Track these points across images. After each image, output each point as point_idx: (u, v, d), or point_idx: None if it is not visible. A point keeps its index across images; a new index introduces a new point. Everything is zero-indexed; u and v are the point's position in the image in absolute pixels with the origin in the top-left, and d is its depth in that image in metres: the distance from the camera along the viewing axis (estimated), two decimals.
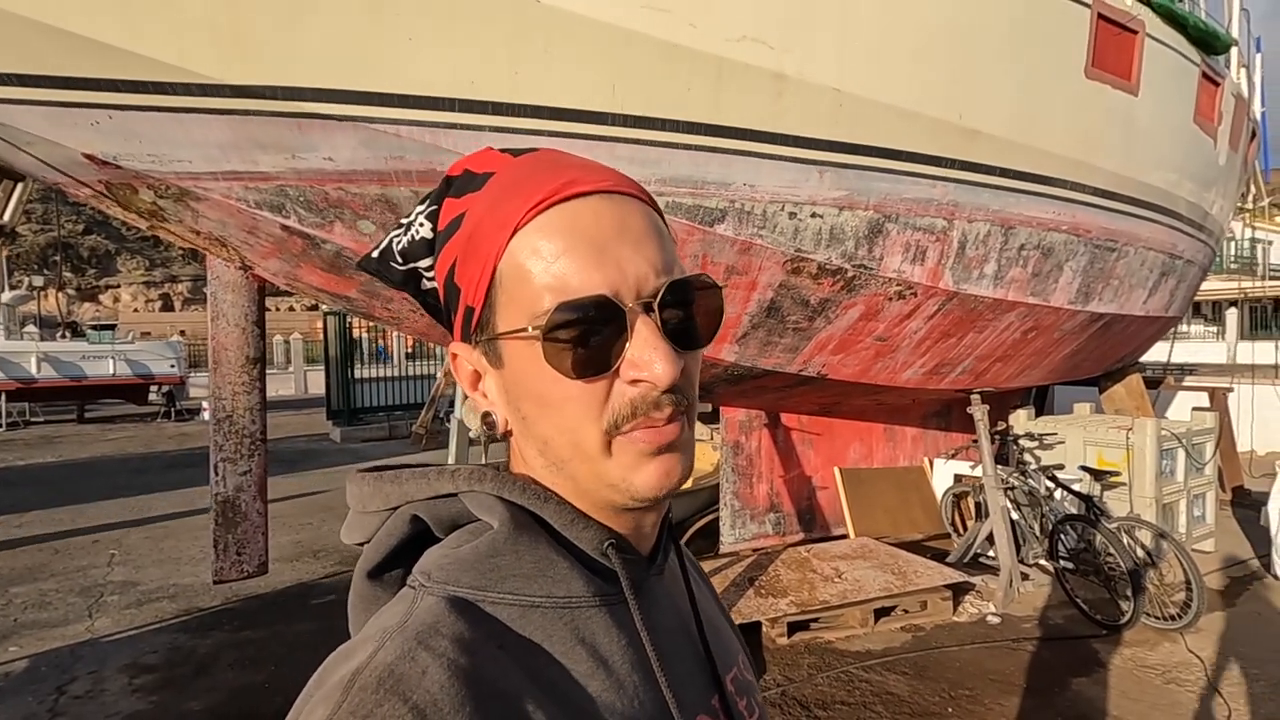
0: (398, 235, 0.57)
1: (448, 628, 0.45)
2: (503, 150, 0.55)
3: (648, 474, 0.50)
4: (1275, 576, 4.81)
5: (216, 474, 3.20)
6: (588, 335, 0.47)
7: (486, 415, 0.55)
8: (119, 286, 46.48)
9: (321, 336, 14.26)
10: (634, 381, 0.48)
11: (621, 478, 0.50)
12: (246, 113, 2.52)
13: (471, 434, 4.76)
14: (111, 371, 15.32)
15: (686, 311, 0.51)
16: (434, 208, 0.55)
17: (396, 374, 14.12)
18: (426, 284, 0.57)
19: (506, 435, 0.55)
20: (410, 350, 16.09)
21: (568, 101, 2.76)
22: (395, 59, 2.52)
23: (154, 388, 16.31)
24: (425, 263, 0.56)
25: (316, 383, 18.47)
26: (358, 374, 13.15)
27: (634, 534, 0.55)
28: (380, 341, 13.64)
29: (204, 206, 2.81)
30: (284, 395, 21.13)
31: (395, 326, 3.70)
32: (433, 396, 11.62)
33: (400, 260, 0.56)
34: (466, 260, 0.51)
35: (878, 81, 3.27)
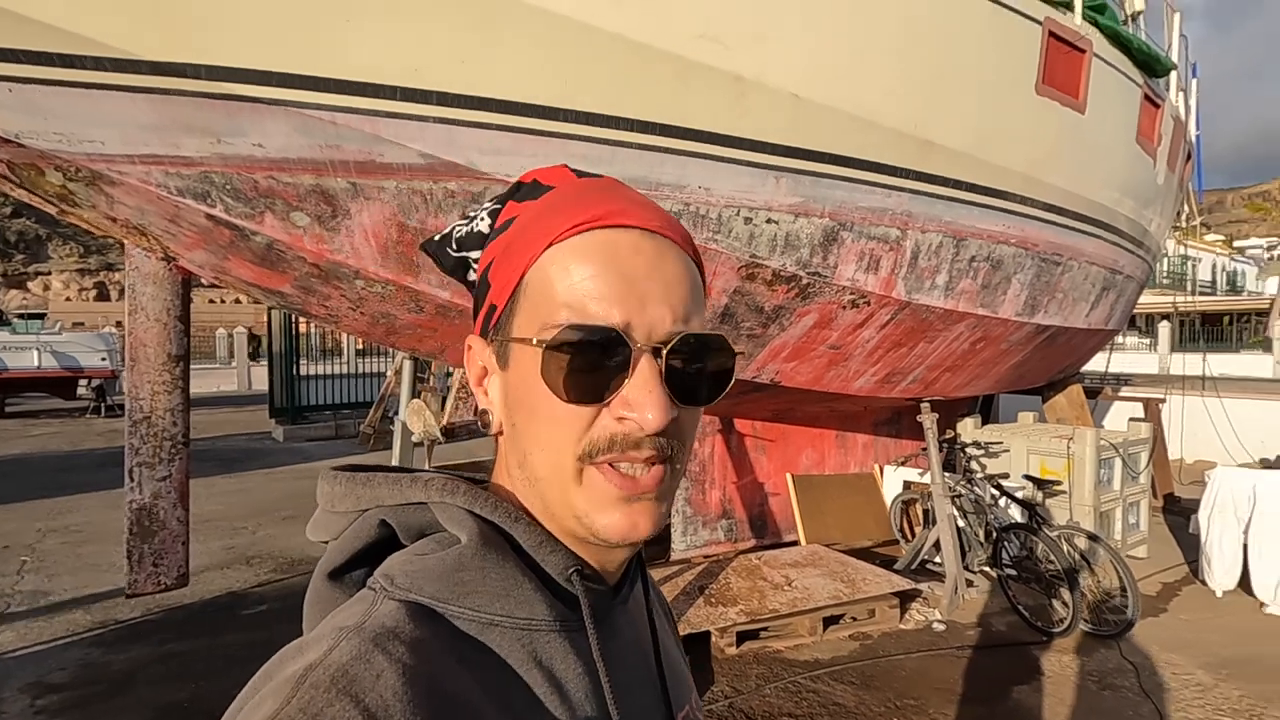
0: (460, 225, 0.59)
1: (406, 633, 0.44)
2: (574, 170, 0.58)
3: (613, 519, 0.49)
4: (1204, 583, 4.99)
5: (132, 480, 2.98)
6: (589, 362, 0.48)
7: (484, 413, 0.55)
8: (50, 274, 44.13)
9: (265, 330, 13.72)
10: (621, 419, 0.48)
11: (586, 512, 0.50)
12: (167, 92, 2.34)
13: (414, 436, 4.59)
14: (36, 364, 14.48)
15: (695, 366, 0.50)
16: (497, 207, 0.57)
17: (344, 371, 13.69)
18: (473, 275, 0.58)
19: (498, 435, 0.55)
20: (361, 347, 15.62)
21: (518, 95, 2.65)
22: (333, 41, 2.37)
23: (83, 382, 15.47)
24: (475, 254, 0.58)
25: (261, 378, 17.80)
26: (304, 370, 12.69)
27: (601, 563, 0.55)
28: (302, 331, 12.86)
29: (119, 191, 2.60)
30: (226, 391, 20.34)
31: (333, 325, 3.52)
32: (382, 395, 11.27)
33: (455, 247, 0.59)
34: (502, 261, 0.53)
35: (836, 89, 3.24)
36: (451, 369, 11.89)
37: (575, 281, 0.48)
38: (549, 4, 2.52)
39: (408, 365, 4.46)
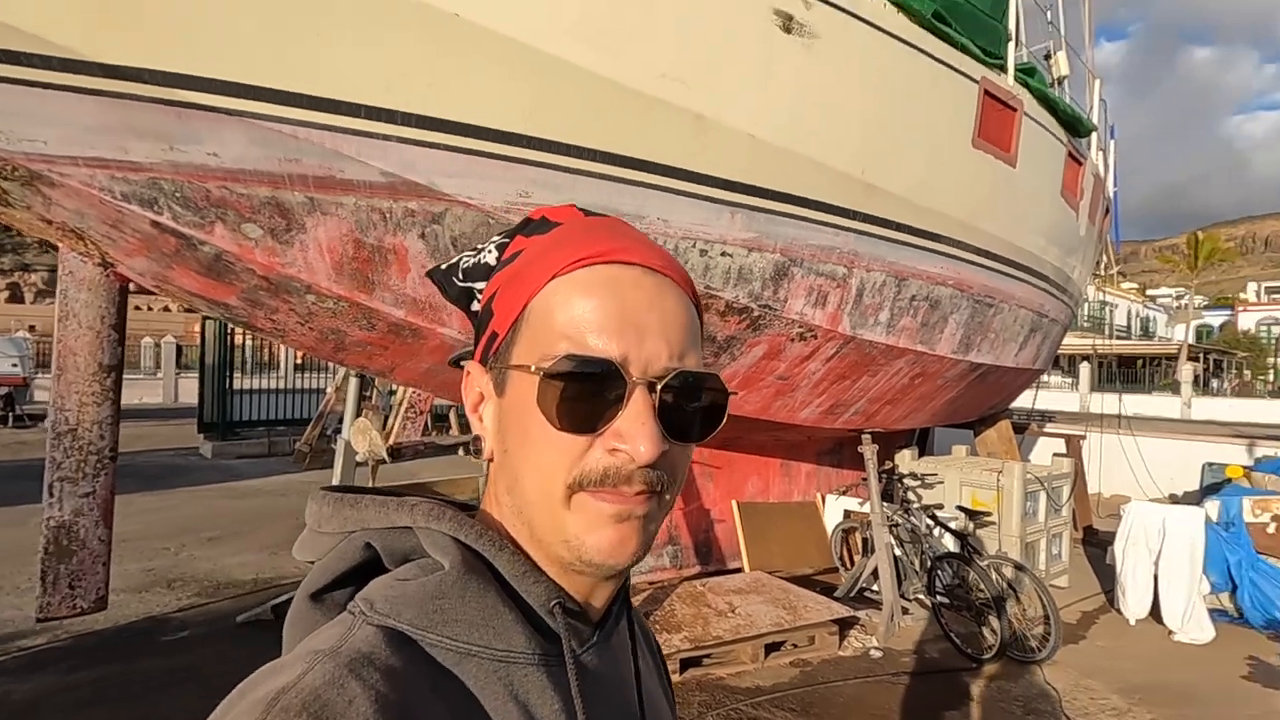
0: (468, 256, 0.60)
1: (382, 660, 0.44)
2: (582, 209, 0.59)
3: (601, 538, 0.49)
4: (1119, 611, 5.27)
5: (51, 495, 2.81)
6: (584, 392, 0.48)
7: (477, 439, 0.57)
8: None
9: (198, 340, 13.13)
10: (613, 450, 0.49)
11: (575, 535, 0.50)
12: (119, 95, 2.27)
13: (359, 456, 4.44)
14: None
15: (689, 403, 0.51)
16: (505, 240, 0.59)
17: (281, 386, 13.21)
18: (477, 305, 0.59)
19: (489, 461, 0.56)
20: (300, 361, 15.12)
21: (485, 120, 2.68)
22: (300, 55, 2.36)
23: None
24: (480, 285, 0.59)
25: (190, 391, 17.00)
26: (237, 384, 12.18)
27: (585, 597, 0.54)
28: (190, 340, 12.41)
29: (59, 194, 2.49)
30: (150, 403, 19.31)
31: (279, 339, 3.43)
32: (321, 412, 10.91)
33: (461, 277, 0.60)
34: (506, 291, 0.54)
35: (790, 132, 3.39)
36: (395, 388, 11.60)
37: (576, 313, 0.49)
38: (521, 34, 2.58)
39: (353, 382, 4.37)
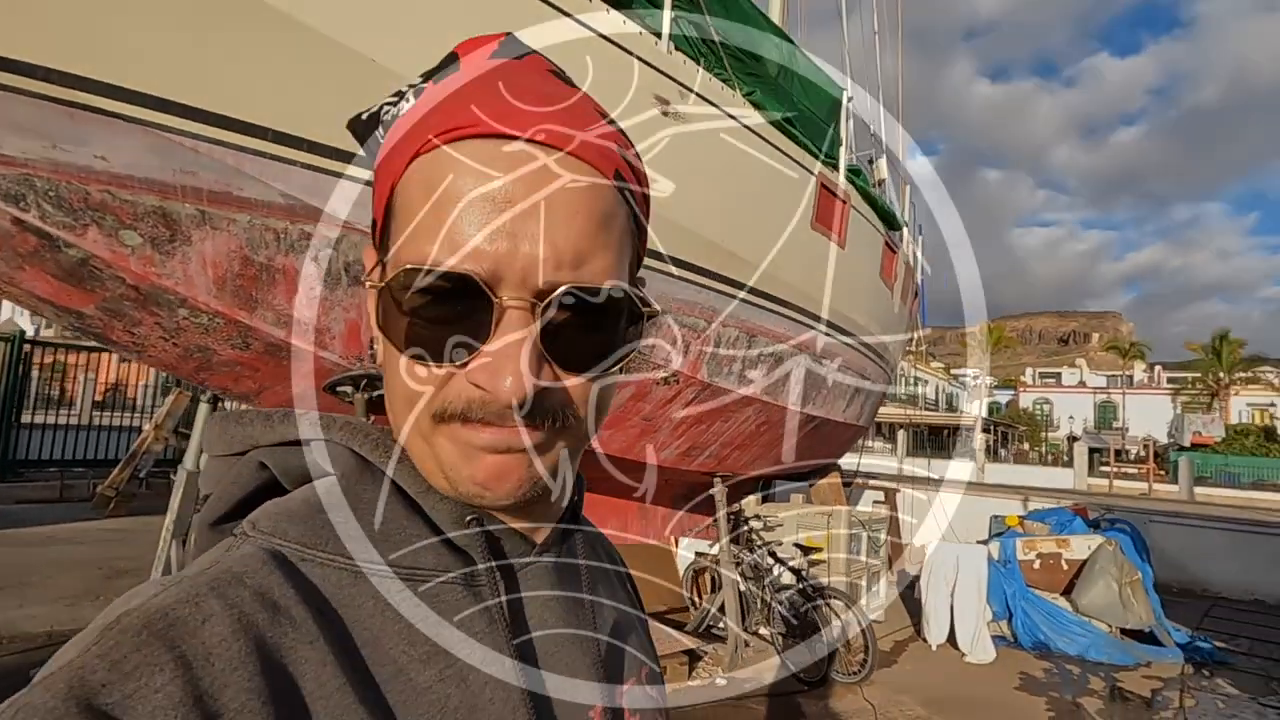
0: (389, 105, 0.48)
1: (254, 579, 0.37)
2: (510, 40, 0.46)
3: (477, 470, 0.41)
4: (924, 639, 6.03)
5: None
6: (438, 317, 0.39)
7: (373, 341, 0.46)
8: None
9: None
10: (477, 385, 0.40)
11: (450, 464, 0.42)
12: (3, 88, 2.21)
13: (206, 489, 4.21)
14: None
15: (587, 324, 0.41)
16: (422, 85, 0.46)
17: (78, 423, 11.63)
18: None
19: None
20: (100, 399, 13.40)
21: None
22: (215, 74, 2.42)
23: None
24: None
25: None
26: (24, 418, 10.58)
27: (511, 515, 0.46)
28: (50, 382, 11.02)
29: None
30: None
31: (136, 355, 3.24)
32: (134, 451, 9.74)
33: (383, 132, 0.47)
34: (383, 165, 0.44)
35: (663, 199, 3.85)
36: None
37: (437, 210, 0.39)
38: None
39: (204, 408, 4.12)
